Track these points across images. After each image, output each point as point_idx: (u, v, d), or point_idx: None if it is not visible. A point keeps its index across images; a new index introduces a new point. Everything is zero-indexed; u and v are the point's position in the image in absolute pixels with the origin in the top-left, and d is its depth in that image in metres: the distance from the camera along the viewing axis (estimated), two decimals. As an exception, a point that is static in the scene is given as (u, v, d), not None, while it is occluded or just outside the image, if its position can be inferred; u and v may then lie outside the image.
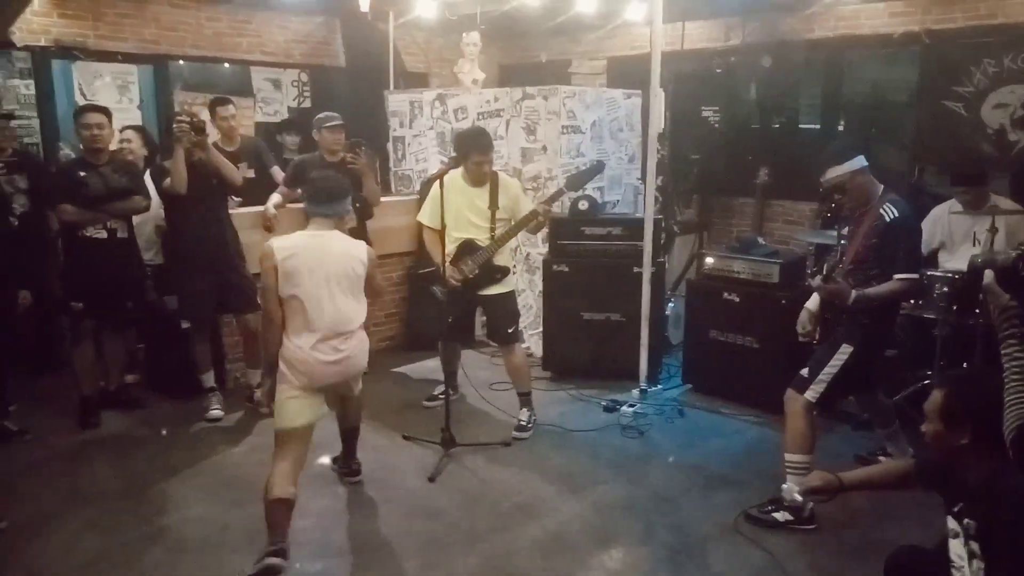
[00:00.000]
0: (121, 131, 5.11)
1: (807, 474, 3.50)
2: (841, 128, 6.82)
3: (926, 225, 4.77)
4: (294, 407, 3.19)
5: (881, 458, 4.04)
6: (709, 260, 5.04)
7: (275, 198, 5.17)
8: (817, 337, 3.66)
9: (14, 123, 5.57)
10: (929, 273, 4.30)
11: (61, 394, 4.88)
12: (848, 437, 4.35)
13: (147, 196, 4.66)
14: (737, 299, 4.79)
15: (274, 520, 3.05)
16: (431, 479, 3.95)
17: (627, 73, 7.44)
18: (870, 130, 6.62)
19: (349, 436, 3.86)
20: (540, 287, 5.55)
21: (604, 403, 4.86)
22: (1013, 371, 1.99)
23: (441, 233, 4.29)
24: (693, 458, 4.21)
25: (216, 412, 4.69)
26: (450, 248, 4.37)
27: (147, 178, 4.75)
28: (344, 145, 5.12)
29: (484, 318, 4.77)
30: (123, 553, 3.29)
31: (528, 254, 5.87)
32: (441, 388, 4.72)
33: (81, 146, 4.61)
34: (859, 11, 6.33)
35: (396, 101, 6.72)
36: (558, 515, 3.64)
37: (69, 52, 6.14)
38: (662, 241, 5.57)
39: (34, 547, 3.34)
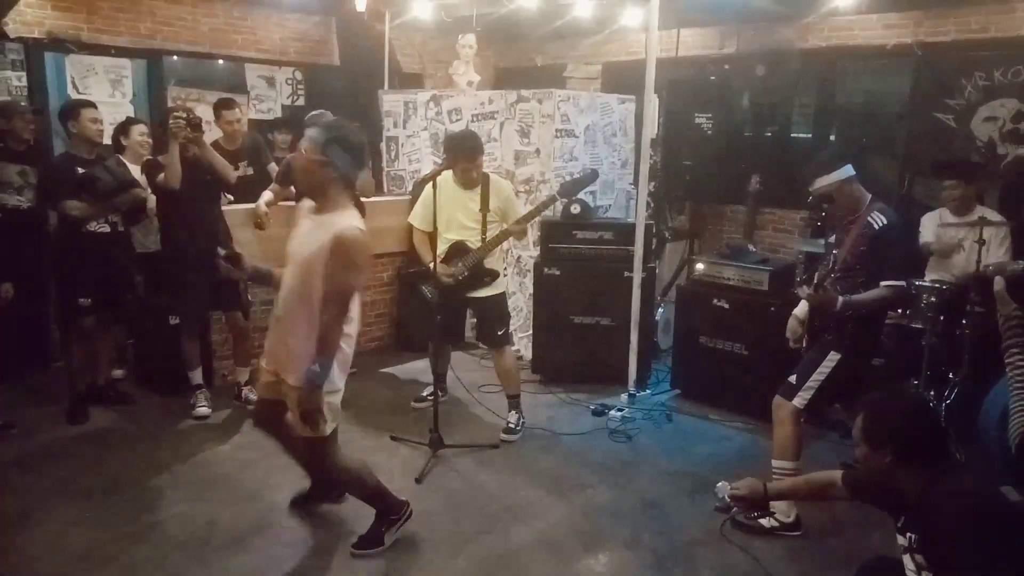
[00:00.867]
0: (131, 124, 5.07)
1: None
2: (833, 138, 6.86)
3: (920, 230, 4.82)
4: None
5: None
6: (699, 266, 5.06)
7: (267, 195, 5.14)
8: (805, 344, 3.68)
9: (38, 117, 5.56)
10: (917, 283, 4.34)
11: (48, 388, 4.86)
12: (835, 445, 4.38)
13: (144, 189, 4.67)
14: (727, 306, 4.82)
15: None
16: (418, 480, 3.95)
17: (622, 78, 7.47)
18: (862, 140, 6.66)
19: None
20: (531, 290, 5.56)
21: (593, 407, 4.87)
22: (1017, 379, 2.04)
23: (432, 235, 4.30)
24: (681, 463, 4.23)
25: (203, 410, 4.68)
26: (441, 249, 4.37)
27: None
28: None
29: (474, 320, 4.78)
30: (110, 549, 3.28)
31: (519, 257, 5.88)
32: (430, 389, 4.72)
33: (76, 141, 4.57)
34: (853, 22, 6.37)
35: (390, 101, 6.71)
36: (546, 518, 3.64)
37: (62, 45, 6.10)
38: (653, 247, 5.59)
39: (21, 541, 3.32)
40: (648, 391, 5.12)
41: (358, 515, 3.60)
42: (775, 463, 3.55)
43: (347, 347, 3.01)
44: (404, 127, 6.62)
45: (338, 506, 3.66)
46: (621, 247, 5.12)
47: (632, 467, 4.20)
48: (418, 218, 4.50)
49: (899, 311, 4.46)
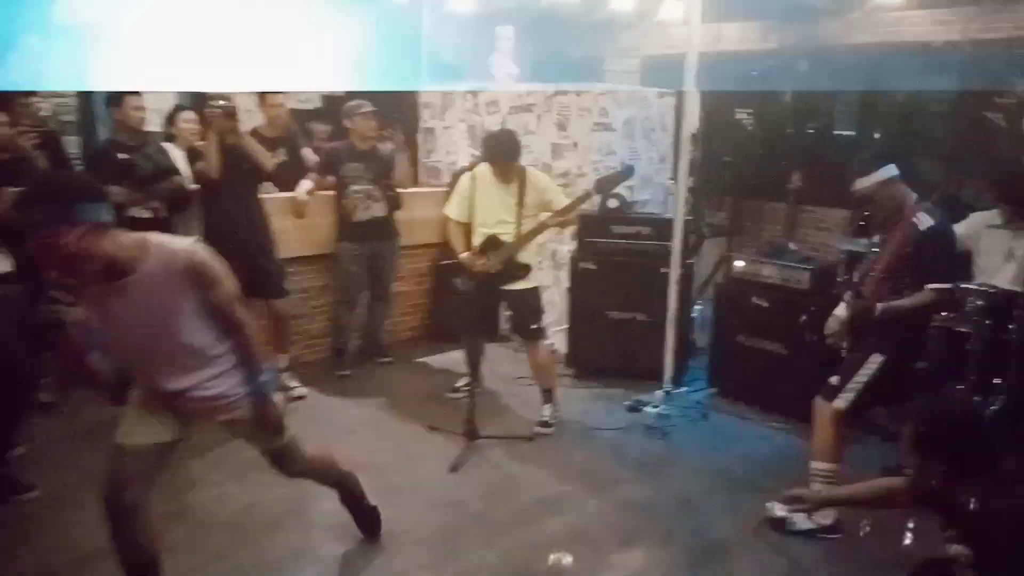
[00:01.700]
0: (179, 111, 5.14)
1: (833, 483, 3.49)
2: (877, 136, 6.74)
3: (960, 227, 4.70)
4: None
5: (908, 471, 3.99)
6: (739, 264, 5.00)
7: (306, 184, 5.19)
8: (847, 345, 3.62)
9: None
10: (963, 286, 4.24)
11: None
12: (876, 448, 4.31)
13: (182, 176, 4.72)
14: (766, 304, 4.76)
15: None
16: (453, 470, 3.96)
17: (661, 72, 7.39)
18: (907, 139, 6.53)
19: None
20: (566, 284, 5.54)
21: (628, 403, 4.84)
22: None
23: (468, 227, 4.29)
24: (717, 462, 4.19)
25: None
26: (476, 242, 4.37)
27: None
28: (376, 131, 5.14)
29: (508, 313, 4.77)
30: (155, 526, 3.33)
31: (555, 251, 5.86)
32: (465, 380, 4.73)
33: (119, 127, 4.64)
34: (901, 18, 6.26)
35: (428, 93, 6.72)
36: (579, 512, 3.64)
37: (108, 32, 6.19)
38: (691, 243, 5.53)
39: (65, 517, 3.40)
40: (684, 388, 5.08)
41: (391, 502, 3.63)
42: (814, 465, 3.50)
43: None
44: (441, 119, 6.62)
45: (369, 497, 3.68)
46: (658, 242, 5.08)
47: (667, 464, 4.17)
48: (454, 209, 4.50)
49: (944, 313, 4.36)
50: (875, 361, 3.42)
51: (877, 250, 3.56)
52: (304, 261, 5.40)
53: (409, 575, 3.13)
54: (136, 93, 4.67)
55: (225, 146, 4.44)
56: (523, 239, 4.34)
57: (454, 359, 5.54)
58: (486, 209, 4.37)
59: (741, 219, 7.11)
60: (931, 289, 3.32)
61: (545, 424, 4.47)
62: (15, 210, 2.26)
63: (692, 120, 5.09)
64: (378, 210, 5.19)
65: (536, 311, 4.54)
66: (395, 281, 5.70)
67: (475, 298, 4.37)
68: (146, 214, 4.59)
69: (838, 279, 4.81)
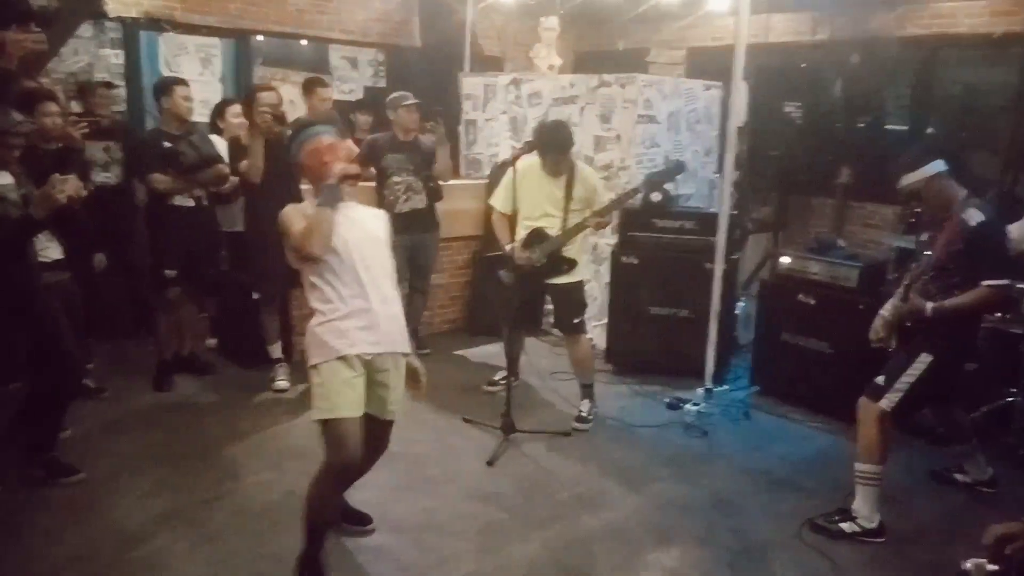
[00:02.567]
0: (226, 105, 5.20)
1: (878, 485, 3.40)
2: (930, 131, 6.55)
3: (1014, 228, 4.55)
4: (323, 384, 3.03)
5: (956, 476, 3.89)
6: (785, 260, 4.90)
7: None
8: (893, 344, 3.52)
9: (113, 91, 5.77)
10: (1020, 285, 4.09)
11: (138, 357, 5.05)
12: (922, 451, 4.19)
13: (226, 164, 4.78)
14: (812, 302, 4.65)
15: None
16: (490, 463, 3.96)
17: (707, 64, 7.27)
18: (961, 134, 6.33)
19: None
20: (606, 278, 5.49)
21: (668, 400, 4.78)
22: None
23: (512, 219, 4.27)
24: (758, 462, 4.12)
25: (282, 383, 4.79)
26: (520, 235, 4.34)
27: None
28: (420, 124, 5.14)
29: (550, 307, 4.74)
30: (193, 512, 3.40)
31: (595, 244, 5.81)
32: (503, 373, 4.71)
33: (167, 117, 4.70)
34: (957, 9, 6.05)
35: (470, 84, 6.71)
36: (617, 509, 3.60)
37: (157, 24, 6.30)
38: (736, 238, 5.43)
39: (109, 500, 3.47)
40: (726, 386, 4.99)
41: (428, 493, 3.64)
42: (858, 466, 3.42)
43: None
44: (483, 110, 6.61)
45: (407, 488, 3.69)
46: (702, 237, 5.00)
47: (707, 463, 4.11)
48: (500, 200, 4.47)
49: (998, 314, 4.22)
50: (923, 361, 3.33)
51: (928, 249, 3.46)
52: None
53: (447, 566, 3.12)
54: (184, 82, 4.73)
55: (270, 143, 4.46)
56: (569, 233, 4.30)
57: (492, 352, 5.54)
58: (532, 201, 4.33)
59: (787, 214, 6.97)
60: (987, 286, 3.21)
61: (583, 420, 4.44)
62: None
63: (739, 113, 4.99)
64: (419, 202, 5.19)
65: (579, 305, 4.51)
66: (434, 273, 5.71)
67: (518, 291, 4.34)
68: (189, 202, 4.66)
69: (888, 277, 4.69)
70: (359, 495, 3.58)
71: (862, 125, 6.77)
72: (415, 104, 5.11)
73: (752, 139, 6.21)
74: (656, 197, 5.23)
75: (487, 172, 6.39)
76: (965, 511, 3.65)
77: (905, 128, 6.71)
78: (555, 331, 5.01)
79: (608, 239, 5.58)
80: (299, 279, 4.84)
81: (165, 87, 4.70)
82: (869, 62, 6.45)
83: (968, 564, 1.80)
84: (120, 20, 6.11)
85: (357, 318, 2.75)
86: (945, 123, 6.48)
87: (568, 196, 4.31)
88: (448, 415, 4.55)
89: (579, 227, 4.31)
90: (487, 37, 8.13)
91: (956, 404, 3.79)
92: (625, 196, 4.49)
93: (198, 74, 6.53)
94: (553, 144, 4.26)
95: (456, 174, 6.48)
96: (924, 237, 3.54)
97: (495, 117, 6.52)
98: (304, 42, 7.26)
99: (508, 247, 4.34)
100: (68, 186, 3.13)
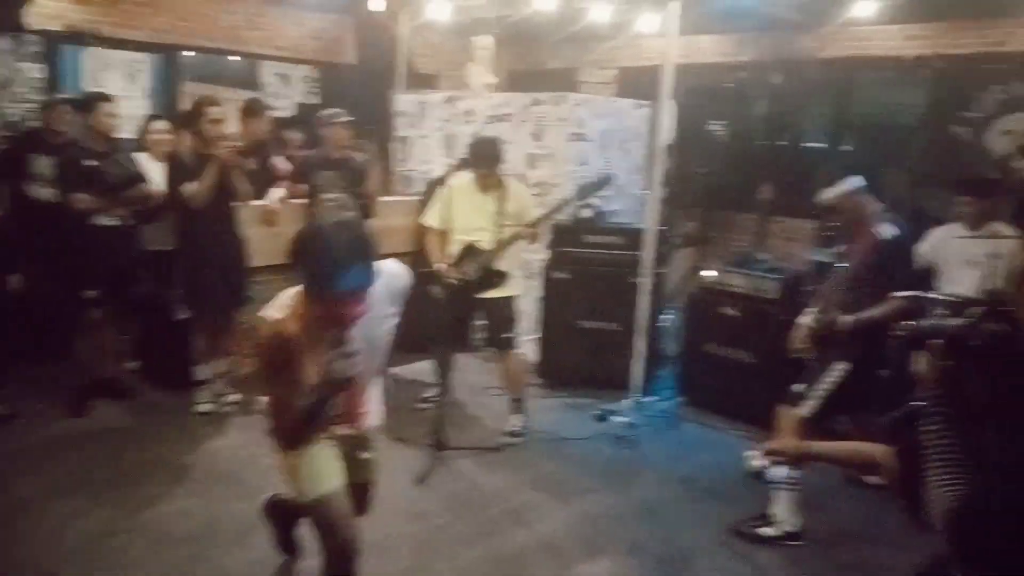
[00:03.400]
0: (151, 121, 5.11)
1: (796, 490, 3.51)
2: (847, 149, 6.81)
3: (923, 243, 4.77)
4: None
5: (869, 479, 4.03)
6: (709, 274, 5.04)
7: (279, 192, 5.17)
8: (812, 354, 3.66)
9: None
10: (929, 296, 4.29)
11: (53, 380, 4.88)
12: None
13: (149, 183, 4.69)
14: (735, 314, 4.79)
15: None
16: (420, 481, 3.95)
17: (636, 84, 7.42)
18: (876, 152, 6.61)
19: None
20: (537, 293, 5.55)
21: (597, 412, 4.85)
22: (938, 451, 1.68)
23: (445, 235, 4.29)
24: (684, 470, 4.21)
25: (206, 406, 4.68)
26: (453, 250, 4.37)
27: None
28: (350, 141, 5.14)
29: (482, 322, 4.77)
30: (110, 543, 3.29)
31: (527, 260, 5.85)
32: (434, 390, 4.71)
33: (91, 133, 4.59)
34: (873, 32, 6.33)
35: (405, 101, 6.73)
36: (548, 522, 3.64)
37: (81, 38, 6.14)
38: (662, 253, 5.55)
39: (17, 533, 3.32)
40: (654, 397, 5.09)
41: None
42: (774, 473, 3.52)
43: None
44: (417, 128, 6.62)
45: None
46: (630, 252, 5.10)
47: (636, 473, 4.18)
48: (432, 217, 4.50)
49: (908, 322, 4.41)
50: (839, 369, 3.46)
51: (844, 262, 3.60)
52: (274, 270, 5.35)
53: (374, 587, 3.09)
54: (108, 98, 4.63)
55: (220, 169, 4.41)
56: (501, 246, 4.35)
57: (423, 369, 5.51)
58: (465, 217, 4.38)
59: (712, 230, 7.14)
60: (896, 298, 3.37)
61: (514, 434, 4.47)
62: None
63: (667, 131, 5.12)
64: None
65: (510, 320, 4.55)
66: (367, 290, 5.66)
67: (449, 307, 4.36)
68: (112, 221, 4.56)
69: (806, 288, 4.85)
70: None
71: (783, 143, 7.00)
72: (347, 122, 5.10)
73: (679, 157, 6.34)
74: (587, 213, 5.32)
75: (420, 189, 6.40)
76: (880, 512, 3.79)
77: (823, 146, 6.97)
78: (487, 347, 5.03)
79: (540, 255, 5.65)
80: (240, 300, 4.79)
81: (88, 103, 4.59)
82: (790, 83, 6.69)
83: (747, 453, 2.25)
84: (41, 33, 5.95)
85: None
86: (860, 142, 6.75)
87: (501, 211, 4.37)
88: (378, 434, 4.50)
89: (512, 238, 4.36)
90: (422, 55, 8.15)
91: (870, 410, 3.94)
92: (556, 208, 4.57)
93: (123, 90, 6.38)
94: (485, 159, 4.32)
95: (389, 191, 6.48)
96: (840, 250, 3.68)
97: (429, 134, 6.55)
98: (236, 58, 7.18)
99: (439, 266, 4.36)
100: None
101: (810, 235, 6.49)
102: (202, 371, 4.75)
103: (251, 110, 5.34)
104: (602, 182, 4.68)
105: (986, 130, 5.76)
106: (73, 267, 4.63)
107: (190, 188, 4.39)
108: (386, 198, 5.83)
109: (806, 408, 3.49)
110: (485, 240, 4.38)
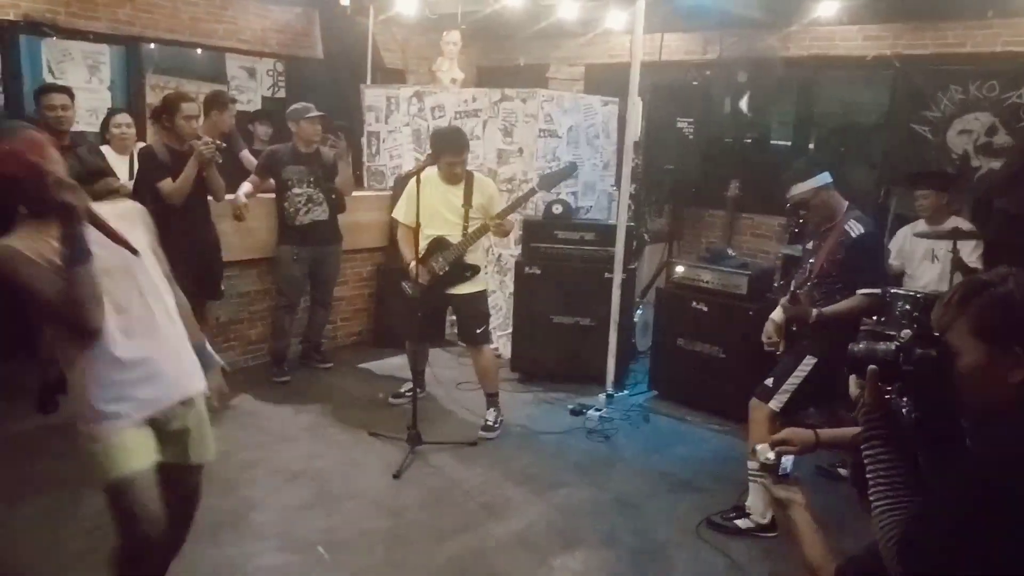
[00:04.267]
0: (113, 114, 4.99)
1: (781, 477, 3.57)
2: (812, 146, 6.95)
3: (892, 246, 4.89)
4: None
5: (840, 470, 4.12)
6: (679, 269, 5.09)
7: (246, 187, 5.10)
8: (782, 348, 3.72)
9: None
10: (892, 291, 4.39)
11: (16, 379, 4.75)
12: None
13: (117, 178, 4.57)
14: (705, 308, 4.85)
15: None
16: (396, 476, 3.93)
17: (605, 81, 7.49)
18: (840, 149, 6.75)
19: None
20: (510, 288, 5.56)
21: (571, 406, 4.88)
22: (881, 475, 1.65)
23: (415, 230, 4.27)
24: (657, 464, 4.25)
25: None
26: (422, 244, 4.35)
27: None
28: (322, 136, 5.09)
29: (454, 317, 4.77)
30: (79, 543, 3.21)
31: (500, 255, 5.88)
32: (408, 386, 4.70)
33: (42, 127, 4.48)
34: (834, 32, 6.46)
35: (373, 96, 6.68)
36: (523, 516, 3.64)
37: (39, 28, 5.98)
38: (633, 248, 5.61)
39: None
40: (626, 392, 5.15)
41: (333, 510, 3.58)
42: (751, 465, 3.58)
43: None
44: (386, 122, 6.59)
45: (310, 506, 3.63)
46: (602, 248, 5.14)
47: (609, 467, 4.21)
48: (402, 212, 4.47)
49: (874, 318, 4.51)
50: (808, 363, 3.52)
51: (812, 258, 3.66)
52: (243, 265, 5.30)
53: (351, 583, 3.08)
54: (58, 88, 4.52)
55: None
56: (471, 237, 4.35)
57: (397, 364, 5.50)
58: (433, 211, 4.35)
59: (681, 226, 7.25)
60: (862, 294, 3.44)
61: (489, 428, 4.48)
62: None
63: (635, 128, 5.17)
64: (320, 213, 5.13)
65: (482, 315, 4.55)
66: (337, 285, 5.64)
67: (421, 302, 4.34)
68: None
69: (775, 284, 4.94)
70: (261, 516, 3.50)
71: (749, 141, 7.12)
72: (318, 116, 5.05)
73: (647, 153, 6.43)
74: (557, 209, 5.34)
75: (390, 184, 6.38)
76: (851, 503, 3.85)
77: (788, 144, 7.10)
78: (460, 342, 5.03)
79: (512, 250, 5.66)
80: (213, 293, 4.74)
81: (39, 95, 4.50)
82: (755, 81, 6.79)
83: (758, 447, 2.16)
84: (-4, 23, 5.78)
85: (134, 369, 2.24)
86: (826, 139, 6.89)
87: (467, 203, 4.37)
88: (353, 429, 4.49)
89: (481, 230, 4.36)
90: (389, 50, 8.11)
91: (838, 402, 4.03)
92: (523, 197, 4.59)
93: (85, 82, 6.23)
94: (448, 147, 4.31)
95: (359, 186, 6.43)
96: (809, 245, 3.75)
97: (398, 129, 6.51)
98: (199, 51, 7.05)
99: (411, 264, 4.33)
100: None
101: (777, 231, 6.63)
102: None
103: (216, 102, 5.27)
104: (567, 171, 4.70)
105: (946, 129, 5.92)
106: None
107: (168, 185, 4.34)
108: (357, 193, 5.79)
109: (776, 402, 3.54)
110: (454, 233, 4.37)
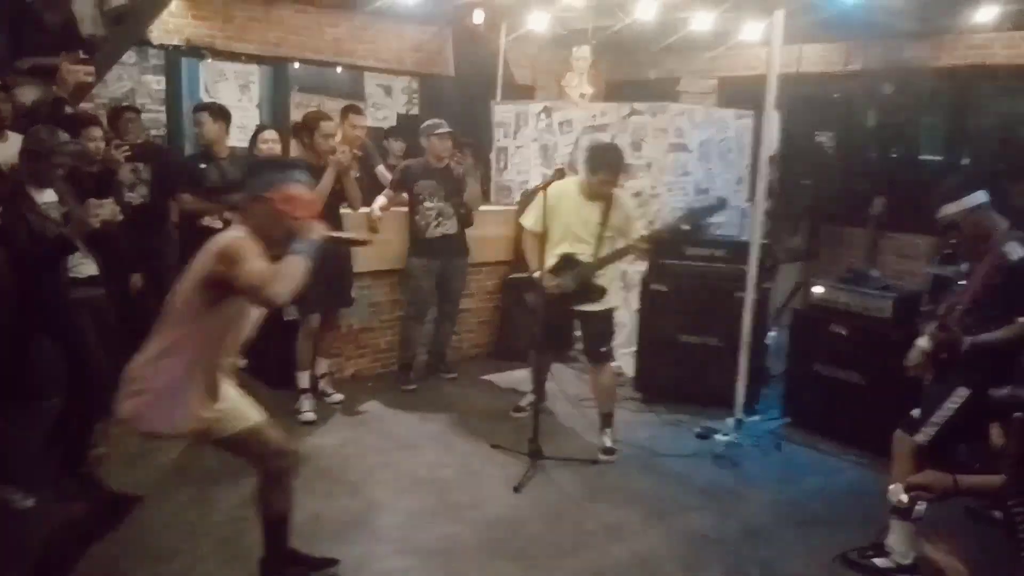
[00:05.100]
0: (261, 131, 5.32)
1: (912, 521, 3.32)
2: (966, 162, 6.47)
3: None
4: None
5: (995, 513, 3.78)
6: (817, 290, 4.85)
7: (380, 200, 5.27)
8: (929, 376, 3.46)
9: (140, 116, 5.92)
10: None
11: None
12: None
13: None
14: (845, 332, 4.59)
15: None
16: (517, 489, 3.93)
17: (738, 94, 7.28)
18: (998, 165, 6.25)
19: None
20: (635, 305, 5.47)
21: (697, 430, 4.73)
22: None
23: (542, 239, 4.24)
24: (789, 494, 4.05)
25: (309, 415, 4.73)
26: (551, 261, 4.29)
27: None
28: (451, 151, 5.21)
29: (579, 332, 4.73)
30: (224, 529, 3.41)
31: (625, 271, 5.78)
32: (530, 398, 4.70)
33: (198, 141, 4.88)
34: (993, 39, 6.02)
35: (502, 112, 6.78)
36: (644, 539, 3.56)
37: (198, 51, 6.46)
38: (767, 267, 5.39)
39: (140, 517, 3.46)
40: (757, 417, 4.93)
41: (455, 519, 3.62)
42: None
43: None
44: (514, 137, 6.67)
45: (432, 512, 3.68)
46: (733, 266, 4.96)
47: (736, 494, 4.05)
48: (531, 220, 4.39)
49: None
50: (960, 395, 3.26)
51: (964, 280, 3.40)
52: (375, 276, 5.48)
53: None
54: (210, 108, 4.88)
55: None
56: (602, 261, 4.26)
57: (519, 377, 5.52)
58: (566, 225, 4.27)
59: (819, 244, 6.91)
60: (1021, 323, 3.15)
61: (608, 451, 4.36)
62: None
63: (771, 142, 4.98)
64: (450, 227, 5.24)
65: (606, 334, 4.47)
66: (463, 298, 5.73)
67: (546, 315, 4.31)
68: (217, 224, 4.72)
69: (922, 308, 4.61)
70: (387, 519, 3.59)
71: (895, 155, 6.72)
72: (448, 132, 5.17)
73: (783, 168, 6.18)
74: (687, 225, 5.20)
75: (517, 198, 6.43)
76: (1002, 548, 3.54)
77: (940, 159, 6.65)
78: (583, 358, 4.98)
79: (638, 266, 5.57)
80: (344, 302, 4.95)
81: (194, 114, 4.93)
82: (902, 93, 6.41)
83: (891, 487, 2.18)
84: (163, 47, 6.29)
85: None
86: (980, 154, 6.41)
87: (604, 222, 4.27)
88: (475, 440, 4.53)
89: (620, 253, 4.28)
90: (519, 66, 8.22)
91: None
92: (666, 229, 4.47)
93: (236, 100, 6.68)
94: (607, 165, 4.21)
95: (486, 200, 6.53)
96: (963, 268, 3.48)
97: (526, 144, 6.58)
98: (339, 69, 7.40)
99: (537, 273, 4.32)
100: (104, 211, 3.22)
101: (926, 251, 6.21)
102: (302, 378, 4.86)
103: (348, 108, 5.55)
104: (716, 207, 4.52)
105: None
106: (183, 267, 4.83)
107: None
108: (484, 208, 5.88)
109: (923, 435, 3.30)
110: (584, 251, 4.30)
